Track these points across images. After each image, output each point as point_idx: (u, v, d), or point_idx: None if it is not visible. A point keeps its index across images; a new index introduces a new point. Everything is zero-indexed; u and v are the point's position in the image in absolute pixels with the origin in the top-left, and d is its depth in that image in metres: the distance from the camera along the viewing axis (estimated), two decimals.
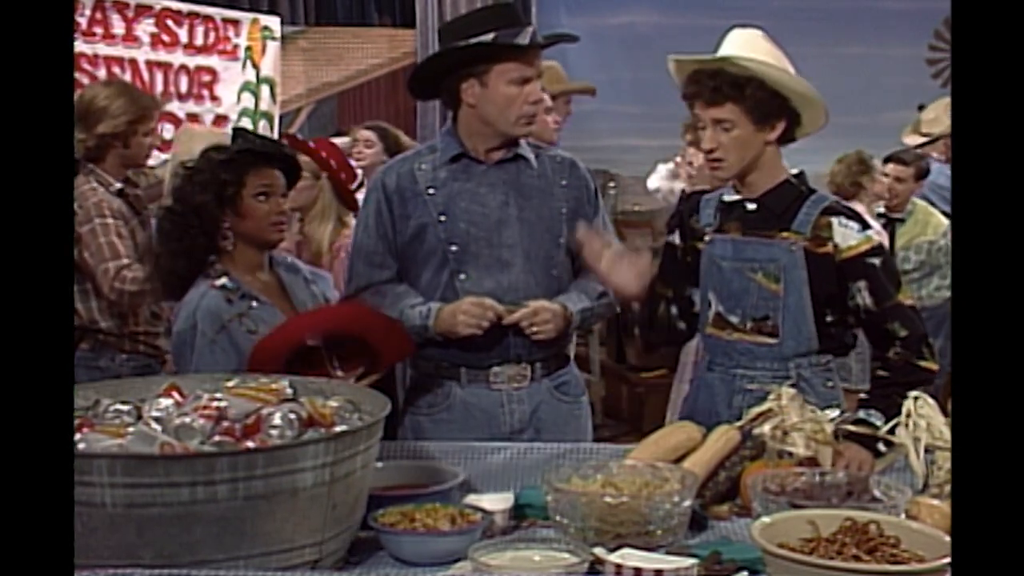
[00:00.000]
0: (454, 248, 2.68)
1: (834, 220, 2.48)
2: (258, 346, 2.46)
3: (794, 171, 2.58)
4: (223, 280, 2.58)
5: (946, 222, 5.52)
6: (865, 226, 2.51)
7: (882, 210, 5.66)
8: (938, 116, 6.27)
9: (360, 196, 4.46)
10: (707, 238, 2.59)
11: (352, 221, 3.99)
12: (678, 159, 5.34)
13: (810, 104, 2.48)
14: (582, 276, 2.78)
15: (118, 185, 3.53)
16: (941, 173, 5.86)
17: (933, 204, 5.73)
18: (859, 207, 4.08)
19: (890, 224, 5.61)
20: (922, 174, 5.68)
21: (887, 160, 5.69)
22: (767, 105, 2.45)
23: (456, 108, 2.71)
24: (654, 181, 5.80)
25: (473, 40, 2.57)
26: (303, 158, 3.86)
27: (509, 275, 2.68)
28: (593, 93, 4.99)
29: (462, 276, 2.68)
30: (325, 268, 3.81)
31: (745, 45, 2.49)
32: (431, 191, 2.70)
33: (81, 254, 3.38)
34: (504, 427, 2.70)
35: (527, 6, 7.58)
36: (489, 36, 2.57)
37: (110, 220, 3.40)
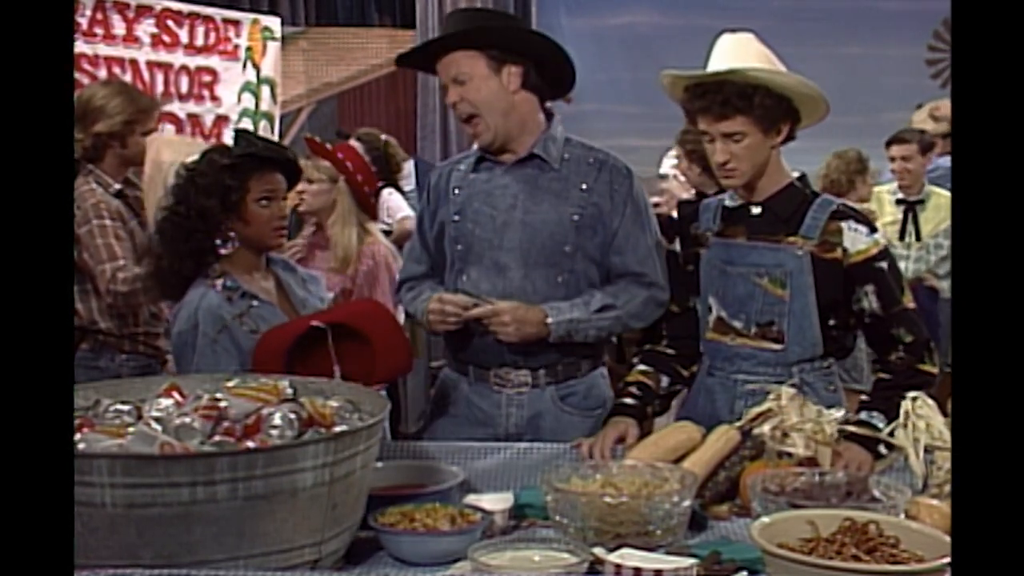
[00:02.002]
0: (459, 248, 2.69)
1: (844, 225, 2.46)
2: (265, 335, 2.47)
3: (796, 174, 2.57)
4: (223, 280, 2.58)
5: None
6: (873, 229, 2.49)
7: (900, 196, 5.64)
8: (924, 118, 6.27)
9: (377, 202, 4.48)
10: (709, 243, 2.58)
11: (373, 227, 4.01)
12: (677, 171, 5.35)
13: (811, 100, 2.46)
14: (611, 284, 2.68)
15: (117, 186, 3.53)
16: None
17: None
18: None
19: (910, 209, 5.58)
20: (926, 147, 5.64)
21: (889, 144, 5.67)
22: (775, 111, 2.42)
23: None
24: (665, 167, 5.81)
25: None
26: (321, 161, 3.88)
27: (505, 279, 2.65)
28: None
29: (464, 277, 2.68)
30: (350, 275, 3.82)
31: (741, 52, 2.46)
32: (456, 191, 2.73)
33: (80, 255, 3.37)
34: (500, 429, 2.68)
35: (527, 7, 7.59)
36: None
37: (108, 222, 3.40)
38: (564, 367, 2.68)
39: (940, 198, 5.57)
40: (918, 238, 5.43)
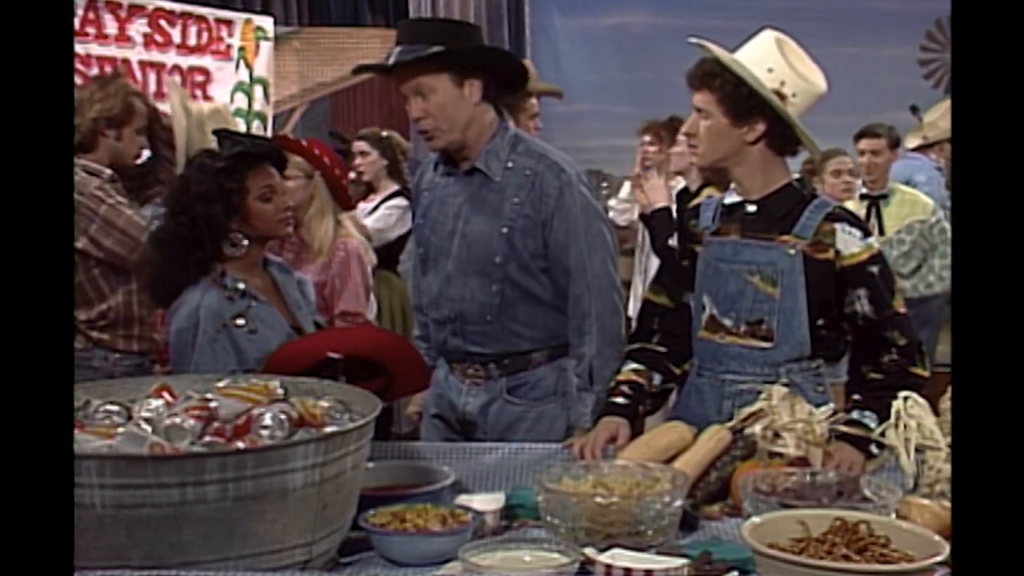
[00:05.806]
0: (421, 251, 2.88)
1: (838, 226, 2.47)
2: (278, 353, 2.45)
3: (796, 176, 2.58)
4: (224, 279, 2.57)
5: (932, 202, 5.54)
6: (867, 233, 2.51)
7: (864, 190, 5.67)
8: (935, 120, 6.28)
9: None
10: (705, 241, 2.58)
11: (345, 220, 3.99)
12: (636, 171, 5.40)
13: (785, 103, 2.48)
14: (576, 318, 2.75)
15: (108, 172, 3.46)
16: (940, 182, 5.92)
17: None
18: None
19: (874, 204, 5.60)
20: (894, 143, 5.72)
21: (859, 136, 5.71)
22: (741, 102, 2.45)
23: None
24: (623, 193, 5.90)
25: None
26: (294, 157, 3.87)
27: (448, 285, 2.79)
28: (560, 96, 5.00)
29: (425, 278, 2.87)
30: (323, 268, 3.81)
31: (753, 45, 2.53)
32: (425, 193, 2.88)
33: None
34: (457, 414, 2.85)
35: (520, 7, 7.58)
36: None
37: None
38: (512, 360, 2.79)
39: (904, 194, 5.61)
40: (881, 233, 5.46)
